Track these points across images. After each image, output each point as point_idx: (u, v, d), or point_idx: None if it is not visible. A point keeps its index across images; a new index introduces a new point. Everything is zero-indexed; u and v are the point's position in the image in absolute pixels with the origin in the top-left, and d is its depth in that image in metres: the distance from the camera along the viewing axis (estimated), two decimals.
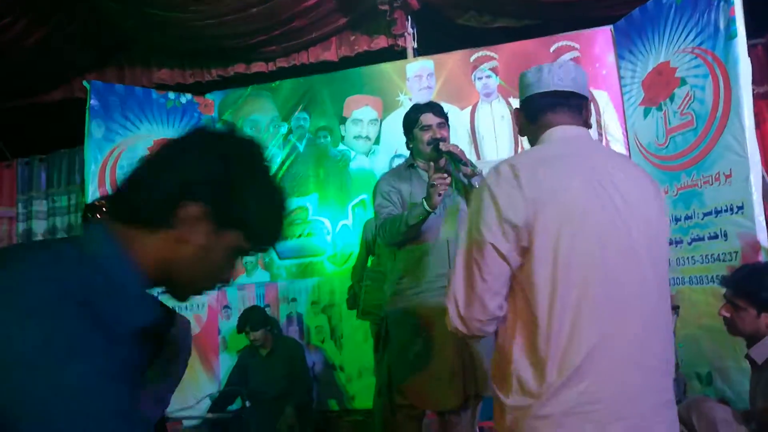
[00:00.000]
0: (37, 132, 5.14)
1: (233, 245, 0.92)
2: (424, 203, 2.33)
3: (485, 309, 1.33)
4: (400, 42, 4.40)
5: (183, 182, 0.87)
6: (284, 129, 4.58)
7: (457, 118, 4.15)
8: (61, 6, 4.15)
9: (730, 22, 3.16)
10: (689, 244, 3.42)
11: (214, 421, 3.75)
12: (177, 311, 1.68)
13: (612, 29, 4.01)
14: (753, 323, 2.22)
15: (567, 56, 4.07)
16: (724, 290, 2.38)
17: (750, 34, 3.27)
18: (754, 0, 3.35)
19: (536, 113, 1.46)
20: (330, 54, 4.53)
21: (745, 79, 3.10)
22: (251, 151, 0.94)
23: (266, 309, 4.19)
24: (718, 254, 3.23)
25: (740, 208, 3.10)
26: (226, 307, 4.48)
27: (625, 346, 1.27)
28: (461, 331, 1.38)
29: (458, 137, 4.08)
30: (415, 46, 4.42)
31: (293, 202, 4.34)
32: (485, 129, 4.22)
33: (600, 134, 3.97)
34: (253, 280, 4.50)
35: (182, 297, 0.95)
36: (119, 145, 4.34)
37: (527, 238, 1.28)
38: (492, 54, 4.24)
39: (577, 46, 4.09)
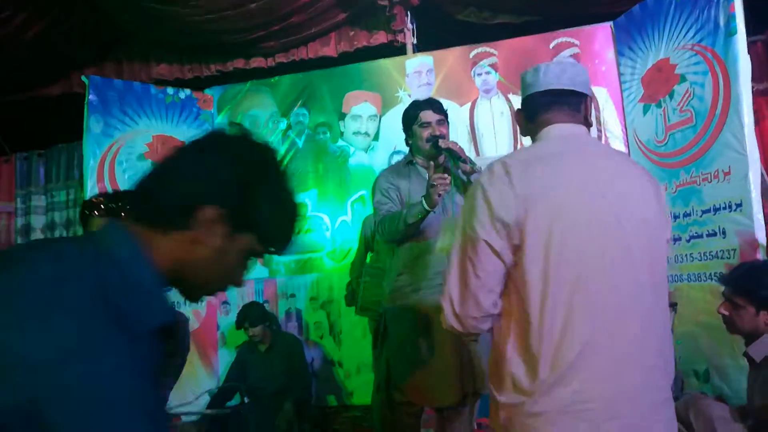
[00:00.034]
0: (36, 127, 5.13)
1: (247, 247, 0.93)
2: (424, 202, 2.33)
3: (480, 306, 1.33)
4: (400, 38, 4.39)
5: (200, 185, 0.88)
6: (283, 125, 4.57)
7: (457, 114, 4.15)
8: (60, 0, 4.14)
9: (730, 18, 3.16)
10: (688, 241, 3.42)
11: (213, 416, 3.75)
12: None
13: (612, 26, 4.01)
14: (752, 321, 2.22)
15: (567, 53, 4.07)
16: (722, 288, 2.38)
17: (750, 31, 3.26)
18: None
19: (534, 112, 1.46)
20: (329, 50, 4.53)
21: (744, 76, 3.10)
22: (267, 155, 0.96)
23: (265, 305, 4.18)
24: (717, 251, 3.23)
25: (739, 205, 3.10)
26: (225, 302, 4.48)
27: (623, 344, 1.27)
28: (456, 329, 1.38)
29: (457, 134, 4.08)
30: (415, 41, 4.41)
31: None
32: (484, 125, 4.21)
33: (599, 131, 3.97)
34: (251, 276, 4.48)
35: (195, 297, 0.96)
36: (118, 140, 4.33)
37: (519, 236, 1.28)
38: (491, 50, 4.23)
39: (576, 42, 4.08)
